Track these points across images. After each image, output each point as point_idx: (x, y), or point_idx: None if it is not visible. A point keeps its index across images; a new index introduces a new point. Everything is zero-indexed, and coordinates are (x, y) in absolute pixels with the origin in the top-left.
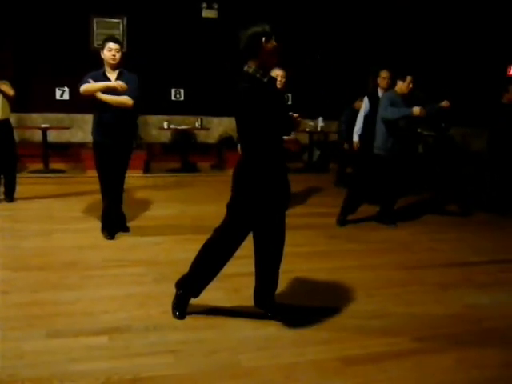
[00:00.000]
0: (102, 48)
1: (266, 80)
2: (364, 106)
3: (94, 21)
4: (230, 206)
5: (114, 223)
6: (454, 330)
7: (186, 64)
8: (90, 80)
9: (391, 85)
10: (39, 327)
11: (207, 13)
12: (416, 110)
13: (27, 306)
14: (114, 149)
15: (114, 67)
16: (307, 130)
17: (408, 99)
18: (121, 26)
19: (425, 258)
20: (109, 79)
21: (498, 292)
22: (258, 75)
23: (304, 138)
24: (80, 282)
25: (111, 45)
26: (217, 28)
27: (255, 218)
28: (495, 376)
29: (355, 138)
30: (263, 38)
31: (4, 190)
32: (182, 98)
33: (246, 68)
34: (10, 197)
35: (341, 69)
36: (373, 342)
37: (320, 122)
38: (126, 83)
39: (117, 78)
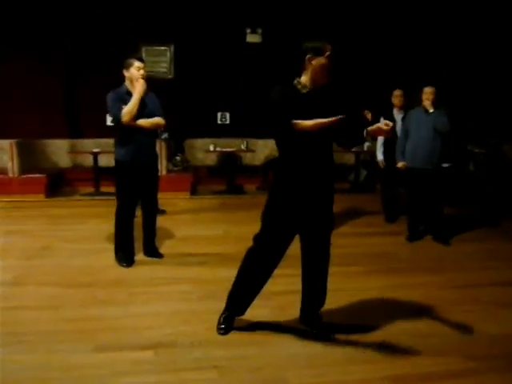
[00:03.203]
0: (127, 67)
1: (304, 91)
2: None
3: (143, 49)
4: (262, 213)
5: (133, 248)
6: (510, 349)
7: (231, 88)
8: (123, 106)
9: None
10: (86, 341)
11: (251, 37)
12: None
13: (76, 321)
14: (146, 168)
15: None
16: (353, 150)
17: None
18: (168, 53)
19: (478, 276)
20: None
21: None
22: (298, 86)
23: (350, 159)
24: (127, 299)
25: (139, 64)
26: (261, 52)
27: (282, 226)
28: None
29: (379, 157)
30: (308, 55)
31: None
32: (228, 122)
33: (294, 82)
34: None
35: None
36: (424, 362)
37: (366, 142)
38: (153, 103)
39: (145, 99)
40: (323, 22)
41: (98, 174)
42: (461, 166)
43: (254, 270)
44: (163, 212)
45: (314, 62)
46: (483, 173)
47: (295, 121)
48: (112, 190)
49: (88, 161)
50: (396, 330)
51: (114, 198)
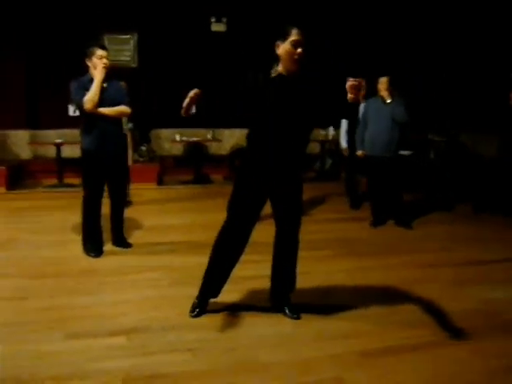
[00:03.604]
0: (89, 56)
1: (273, 75)
2: None
3: (105, 37)
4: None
5: (101, 238)
6: (471, 323)
7: (196, 77)
8: (86, 92)
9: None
10: (57, 330)
11: (216, 26)
12: None
13: (45, 311)
14: (112, 157)
15: (105, 76)
16: (318, 139)
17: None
18: (131, 41)
19: (439, 257)
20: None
21: None
22: (272, 73)
23: (315, 148)
24: (96, 288)
25: (102, 52)
26: (226, 41)
27: (247, 205)
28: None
29: (343, 145)
30: (277, 41)
31: None
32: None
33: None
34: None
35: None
36: (391, 336)
37: (331, 131)
38: (116, 91)
39: (108, 87)
40: (288, 10)
41: (61, 166)
42: (421, 153)
43: (225, 249)
44: (129, 203)
45: (280, 48)
46: (443, 160)
47: None
48: (76, 181)
49: (50, 152)
50: (363, 308)
51: (78, 190)
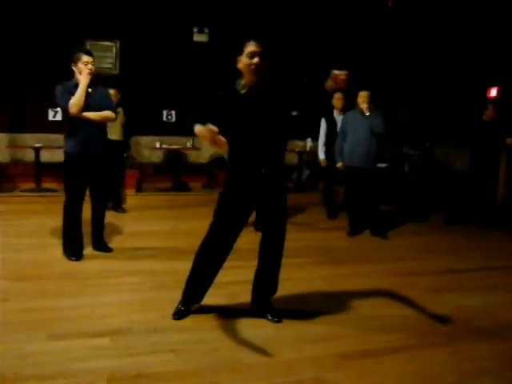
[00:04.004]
0: (75, 61)
1: (242, 91)
2: (322, 126)
3: (88, 44)
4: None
5: (82, 243)
6: (446, 328)
7: (177, 86)
8: (72, 97)
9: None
10: (40, 330)
11: (198, 37)
12: None
13: (27, 312)
14: (97, 161)
15: (90, 81)
16: (296, 150)
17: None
18: (114, 49)
19: (415, 265)
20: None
21: (487, 295)
22: (238, 87)
23: (293, 158)
24: (78, 291)
25: (87, 58)
26: (207, 51)
27: (233, 213)
28: (485, 367)
29: (321, 157)
30: (238, 56)
31: (112, 204)
32: (174, 120)
33: (236, 84)
34: (117, 207)
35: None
36: (369, 340)
37: (309, 143)
38: (101, 97)
39: (92, 93)
40: (269, 21)
41: (40, 170)
42: (397, 166)
43: (210, 256)
44: (123, 210)
45: (241, 62)
46: (417, 173)
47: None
48: (54, 186)
49: (29, 156)
50: (342, 313)
51: (56, 194)
